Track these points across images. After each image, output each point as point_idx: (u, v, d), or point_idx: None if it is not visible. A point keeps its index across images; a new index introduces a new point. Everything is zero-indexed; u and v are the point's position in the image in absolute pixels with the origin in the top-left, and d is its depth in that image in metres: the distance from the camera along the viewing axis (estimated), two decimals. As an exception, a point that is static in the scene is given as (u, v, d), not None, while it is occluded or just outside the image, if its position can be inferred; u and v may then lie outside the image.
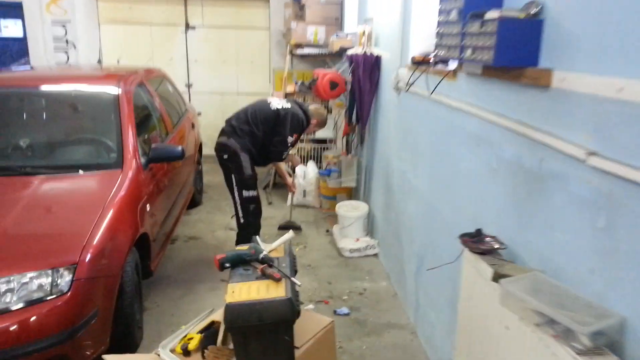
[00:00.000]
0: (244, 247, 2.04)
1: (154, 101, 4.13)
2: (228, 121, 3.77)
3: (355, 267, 4.02)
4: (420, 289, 3.03)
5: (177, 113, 4.79)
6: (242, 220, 3.73)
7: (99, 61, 5.67)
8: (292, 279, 1.84)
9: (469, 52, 1.91)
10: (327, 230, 4.69)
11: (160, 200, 3.53)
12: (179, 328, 2.53)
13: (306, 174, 5.26)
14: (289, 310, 1.71)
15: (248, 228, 3.75)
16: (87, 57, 6.77)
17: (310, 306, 3.40)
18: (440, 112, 2.66)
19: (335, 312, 3.33)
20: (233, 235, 4.19)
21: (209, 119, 7.41)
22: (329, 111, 5.51)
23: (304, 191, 5.24)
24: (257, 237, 2.15)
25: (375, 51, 4.07)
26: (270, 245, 2.11)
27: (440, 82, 2.50)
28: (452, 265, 2.49)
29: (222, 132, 3.76)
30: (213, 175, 6.40)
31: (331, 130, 5.32)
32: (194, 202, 5.18)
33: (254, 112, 3.73)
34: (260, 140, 3.70)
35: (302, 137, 4.28)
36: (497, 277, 1.64)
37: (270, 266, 1.91)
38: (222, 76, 7.28)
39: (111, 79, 3.71)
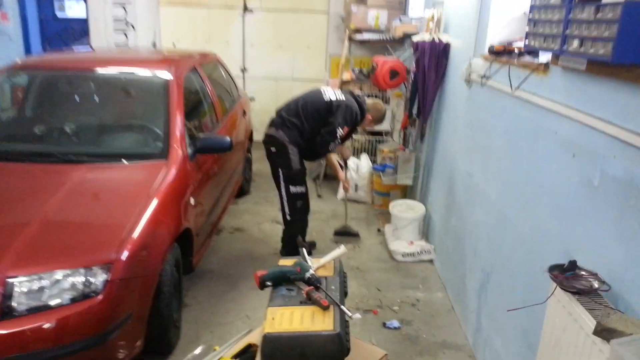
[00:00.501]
0: (288, 262, 1.79)
1: (205, 87, 3.96)
2: (278, 112, 3.54)
3: (407, 273, 3.71)
4: (484, 309, 2.69)
5: (229, 100, 4.62)
6: (288, 217, 3.51)
7: (154, 44, 5.58)
8: (343, 307, 1.57)
9: (574, 43, 1.54)
10: (379, 230, 4.39)
11: (206, 191, 3.36)
12: (216, 338, 2.34)
13: (359, 168, 4.97)
14: (337, 347, 1.46)
15: (295, 225, 3.53)
16: (145, 38, 6.74)
17: (358, 315, 3.07)
18: (522, 112, 2.29)
19: (384, 324, 3.05)
20: (279, 228, 3.99)
21: (263, 104, 7.23)
22: (386, 101, 5.16)
23: (356, 185, 4.95)
24: (304, 249, 1.90)
25: (444, 38, 3.68)
26: (318, 260, 1.85)
27: (528, 76, 2.12)
28: (527, 288, 2.15)
29: (272, 123, 3.54)
30: (263, 164, 6.16)
31: (388, 122, 4.97)
32: (242, 191, 5.01)
33: (305, 103, 3.48)
34: (308, 133, 3.44)
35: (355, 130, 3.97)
36: (601, 331, 1.30)
37: (318, 288, 1.65)
38: (277, 61, 7.06)
39: (163, 64, 3.56)
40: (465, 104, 3.22)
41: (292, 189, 3.43)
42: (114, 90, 3.42)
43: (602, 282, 1.52)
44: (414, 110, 4.14)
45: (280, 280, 1.71)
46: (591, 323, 1.38)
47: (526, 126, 2.25)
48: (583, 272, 1.59)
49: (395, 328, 3.02)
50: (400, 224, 3.92)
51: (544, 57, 2.05)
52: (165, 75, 3.37)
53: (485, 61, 2.69)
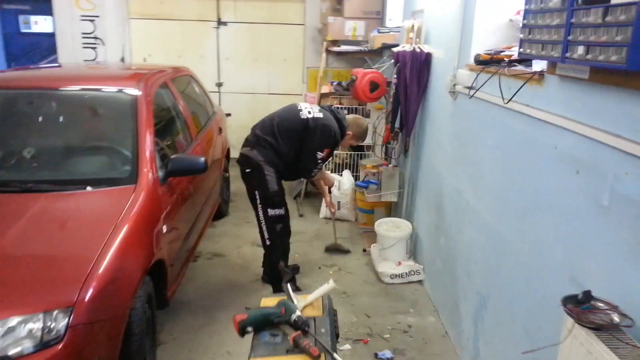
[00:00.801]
0: (271, 301, 1.58)
1: (178, 104, 3.74)
2: (253, 129, 3.34)
3: (397, 296, 3.53)
4: (482, 337, 2.52)
5: (203, 116, 4.40)
6: (268, 242, 3.30)
7: (122, 59, 5.35)
8: (336, 356, 1.37)
9: (579, 50, 1.40)
10: (364, 250, 4.20)
11: (180, 216, 3.13)
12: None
13: (341, 184, 4.79)
14: (331, 408, 1.26)
15: (275, 250, 3.32)
16: (115, 53, 6.50)
17: (347, 346, 2.93)
18: (515, 124, 2.14)
19: (376, 355, 2.84)
20: (260, 252, 3.76)
21: (239, 120, 7.01)
22: (367, 115, 5.01)
23: (339, 203, 4.76)
24: (289, 285, 1.70)
25: (426, 48, 3.55)
26: (305, 297, 1.65)
27: (521, 87, 1.97)
28: (529, 315, 1.98)
29: (246, 142, 3.34)
30: (240, 182, 5.98)
31: (370, 136, 4.81)
32: (220, 213, 4.78)
33: (281, 121, 3.27)
34: (285, 153, 3.23)
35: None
36: (632, 378, 1.13)
37: (305, 333, 1.45)
38: (253, 75, 6.89)
39: (130, 80, 3.33)
40: (450, 117, 3.08)
41: (270, 211, 3.22)
42: (77, 110, 3.17)
43: (624, 315, 1.35)
44: (397, 124, 3.99)
45: (263, 325, 1.51)
46: (618, 367, 1.21)
47: (520, 139, 2.10)
48: (600, 304, 1.43)
49: (388, 359, 2.82)
50: (387, 244, 3.75)
51: (538, 65, 1.91)
52: (133, 92, 3.15)
53: (472, 72, 2.55)
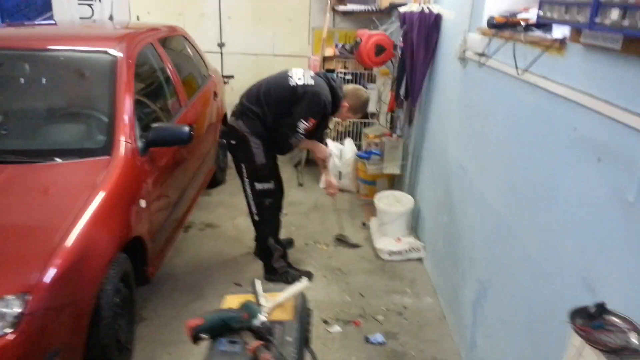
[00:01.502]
0: (236, 300, 1.39)
1: (166, 67, 3.48)
2: (241, 98, 3.06)
3: (394, 274, 3.34)
4: (480, 326, 2.33)
5: (196, 80, 4.14)
6: (256, 218, 3.10)
7: (111, 17, 5.06)
8: (300, 373, 1.18)
9: (612, 13, 1.12)
10: (364, 224, 4.00)
11: (165, 188, 2.94)
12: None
13: (343, 154, 4.54)
14: None
15: (264, 226, 3.12)
16: (115, 11, 6.18)
17: (337, 328, 2.77)
18: (530, 98, 1.87)
19: (367, 339, 2.69)
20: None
21: (242, 82, 6.67)
22: (372, 80, 4.71)
23: (340, 173, 4.54)
24: (258, 282, 1.49)
25: (435, 8, 3.22)
26: (275, 297, 1.45)
27: (539, 57, 1.69)
28: (533, 314, 1.78)
29: (233, 112, 3.08)
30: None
31: (374, 104, 4.53)
32: (216, 181, 4.58)
33: (268, 89, 2.96)
34: (271, 124, 2.93)
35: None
36: None
37: (268, 343, 1.25)
38: (257, 35, 6.53)
39: (111, 40, 3.06)
40: (459, 86, 2.80)
41: (258, 185, 2.99)
42: (51, 73, 2.92)
43: (644, 337, 1.14)
44: (402, 91, 3.70)
45: (221, 331, 1.32)
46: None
47: (534, 116, 1.84)
48: (614, 318, 1.21)
49: (379, 343, 2.66)
50: (387, 219, 3.54)
51: (559, 31, 1.63)
52: (113, 53, 2.89)
53: (484, 36, 2.26)
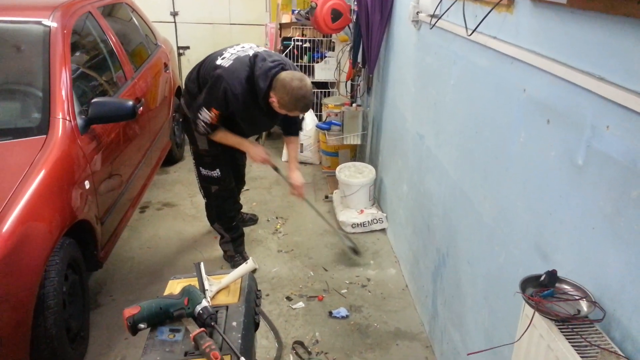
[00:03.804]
0: (179, 284, 1.30)
1: (108, 38, 3.26)
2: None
3: (358, 246, 3.30)
4: (440, 296, 2.32)
5: (143, 52, 3.92)
6: (204, 199, 2.98)
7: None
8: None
9: (557, -38, 1.04)
10: (326, 197, 3.93)
11: (113, 167, 2.79)
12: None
13: (304, 125, 4.42)
14: None
15: (210, 210, 3.01)
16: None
17: (300, 304, 2.73)
18: (480, 60, 1.80)
19: (330, 314, 2.65)
20: (215, 202, 3.48)
21: (199, 53, 6.42)
22: (332, 48, 4.57)
23: (301, 145, 4.44)
24: (202, 264, 1.40)
25: (389, -31, 3.09)
26: (220, 279, 1.36)
27: (487, 15, 1.61)
28: (489, 282, 1.76)
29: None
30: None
31: (333, 72, 4.41)
32: (173, 158, 4.41)
33: (204, 66, 2.64)
34: None
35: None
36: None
37: (211, 329, 1.17)
38: (213, 3, 6.25)
39: (44, 9, 2.83)
40: (413, 51, 2.71)
41: (203, 171, 2.79)
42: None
43: (593, 303, 1.11)
44: (359, 58, 3.59)
45: (160, 319, 1.23)
46: (581, 373, 0.97)
47: (486, 79, 1.77)
48: (566, 286, 1.18)
49: (343, 317, 2.63)
50: (349, 191, 3.48)
51: (509, -13, 1.55)
52: (46, 22, 2.68)
53: (436, -4, 2.16)
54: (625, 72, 1.06)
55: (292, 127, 2.91)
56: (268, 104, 2.47)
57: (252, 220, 3.54)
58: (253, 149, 2.72)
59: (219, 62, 2.51)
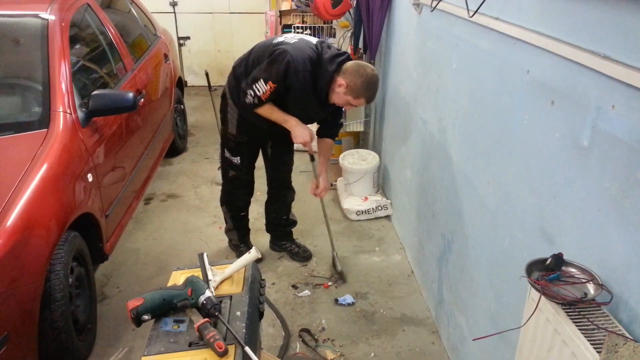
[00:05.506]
0: (184, 274, 1.30)
1: (106, 30, 3.24)
2: None
3: (362, 234, 3.30)
4: (445, 281, 2.31)
5: (143, 43, 3.89)
6: (222, 181, 2.98)
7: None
8: (248, 350, 1.10)
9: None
10: (331, 184, 3.91)
11: (116, 160, 2.79)
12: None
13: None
14: None
15: (223, 193, 3.00)
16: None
17: (307, 292, 2.73)
18: (483, 42, 1.77)
19: (336, 301, 2.66)
20: (219, 192, 3.46)
21: (199, 43, 6.44)
22: (332, 35, 4.52)
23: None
24: (205, 255, 1.40)
25: (389, -48, 3.04)
26: (223, 270, 1.36)
27: (489, -4, 1.58)
28: (493, 266, 1.75)
29: None
30: (201, 112, 5.58)
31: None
32: (176, 150, 4.41)
33: (257, 48, 2.54)
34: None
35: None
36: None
37: (215, 319, 1.17)
38: (211, -9, 6.21)
39: (42, 2, 2.81)
40: (415, 35, 2.67)
41: (226, 153, 2.77)
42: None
43: (600, 286, 1.09)
44: (360, 44, 3.55)
45: (164, 310, 1.23)
46: (590, 355, 0.97)
47: (488, 62, 1.74)
48: (572, 269, 1.17)
49: (349, 304, 2.63)
50: (352, 178, 3.46)
51: (511, -34, 1.51)
52: (44, 15, 2.66)
53: (437, -22, 2.12)
54: (631, 50, 1.04)
55: (332, 129, 2.76)
56: (326, 92, 2.40)
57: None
58: (299, 127, 2.47)
59: (279, 40, 2.44)
